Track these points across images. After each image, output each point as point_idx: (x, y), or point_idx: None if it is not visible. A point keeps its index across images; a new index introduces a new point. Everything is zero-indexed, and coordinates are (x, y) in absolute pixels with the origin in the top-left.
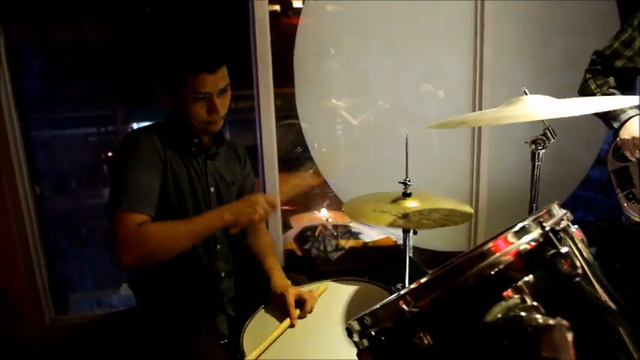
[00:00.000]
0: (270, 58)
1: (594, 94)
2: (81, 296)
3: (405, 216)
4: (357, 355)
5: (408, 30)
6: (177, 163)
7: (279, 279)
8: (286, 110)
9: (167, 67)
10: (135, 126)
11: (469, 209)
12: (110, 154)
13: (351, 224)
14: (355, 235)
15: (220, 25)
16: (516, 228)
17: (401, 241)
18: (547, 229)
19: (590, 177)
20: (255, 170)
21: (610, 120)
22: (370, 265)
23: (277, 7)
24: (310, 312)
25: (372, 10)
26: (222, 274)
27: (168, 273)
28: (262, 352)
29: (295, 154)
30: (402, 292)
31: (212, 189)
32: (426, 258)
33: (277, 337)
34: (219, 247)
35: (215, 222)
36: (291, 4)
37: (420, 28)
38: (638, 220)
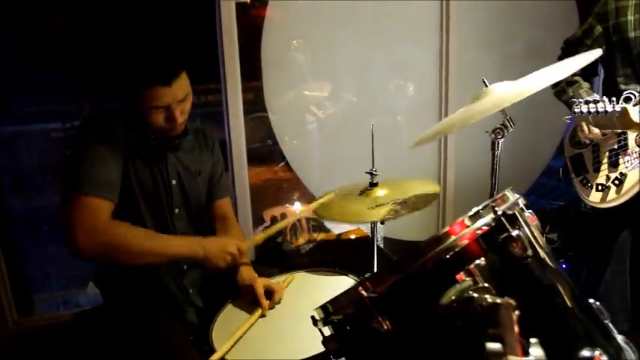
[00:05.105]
0: (237, 50)
1: (559, 83)
2: (45, 297)
3: (375, 207)
4: (323, 342)
5: (375, 22)
6: (138, 154)
7: (246, 271)
8: (258, 104)
9: (121, 82)
10: None
11: (436, 187)
12: None
13: None
14: (327, 228)
15: (178, 29)
16: (471, 213)
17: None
18: (499, 213)
19: (554, 165)
20: (224, 165)
21: (570, 106)
22: (342, 256)
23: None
24: (279, 302)
25: (340, 3)
26: (185, 267)
27: (132, 269)
28: (234, 345)
29: (265, 148)
30: (363, 278)
31: (174, 182)
32: (398, 248)
33: (248, 329)
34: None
35: (186, 252)
36: None
37: (388, 21)
38: (590, 204)
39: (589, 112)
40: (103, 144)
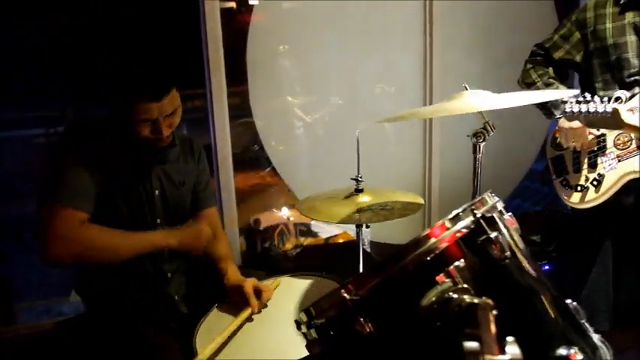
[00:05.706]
0: (222, 56)
1: (534, 83)
2: (27, 305)
3: (359, 211)
4: (307, 346)
5: (360, 27)
6: (122, 164)
7: (234, 273)
8: (243, 109)
9: (115, 89)
10: None
11: (420, 200)
12: None
13: (311, 222)
14: (315, 233)
15: (163, 34)
16: (451, 216)
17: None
18: (478, 216)
19: (537, 169)
20: (210, 171)
21: (551, 108)
22: (329, 260)
23: (229, 4)
24: (267, 302)
25: (325, 7)
26: (169, 275)
27: (114, 277)
28: (221, 345)
29: (251, 153)
30: (345, 281)
31: (157, 192)
32: (385, 252)
33: (237, 329)
34: (166, 250)
35: (158, 244)
36: (246, 0)
37: (372, 26)
38: (570, 204)
39: (580, 112)
40: (84, 153)
